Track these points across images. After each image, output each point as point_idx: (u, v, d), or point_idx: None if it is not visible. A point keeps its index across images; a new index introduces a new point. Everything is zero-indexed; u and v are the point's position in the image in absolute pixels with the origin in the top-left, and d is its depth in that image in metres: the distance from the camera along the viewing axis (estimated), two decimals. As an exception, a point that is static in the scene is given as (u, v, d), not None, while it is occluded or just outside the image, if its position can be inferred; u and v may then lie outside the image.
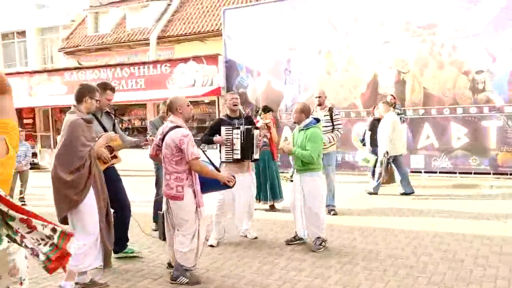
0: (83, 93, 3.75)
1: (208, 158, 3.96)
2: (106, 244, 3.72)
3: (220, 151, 5.11)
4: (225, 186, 3.88)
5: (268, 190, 6.69)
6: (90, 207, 3.59)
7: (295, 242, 4.96)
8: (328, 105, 6.42)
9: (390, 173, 7.59)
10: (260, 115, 7.29)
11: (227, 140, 4.98)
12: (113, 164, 4.42)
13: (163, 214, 5.12)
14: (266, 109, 6.82)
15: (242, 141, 4.93)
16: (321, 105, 6.33)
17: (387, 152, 7.52)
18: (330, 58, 10.92)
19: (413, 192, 7.56)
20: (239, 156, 4.94)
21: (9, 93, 2.19)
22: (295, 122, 4.87)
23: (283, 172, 11.04)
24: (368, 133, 8.18)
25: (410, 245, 4.80)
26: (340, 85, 10.83)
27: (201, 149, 3.94)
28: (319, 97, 6.33)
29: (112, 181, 4.42)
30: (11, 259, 2.20)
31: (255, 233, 5.34)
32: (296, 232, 4.96)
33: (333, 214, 6.28)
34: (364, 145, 8.31)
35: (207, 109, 13.13)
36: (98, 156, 4.15)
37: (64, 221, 3.64)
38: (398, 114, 8.28)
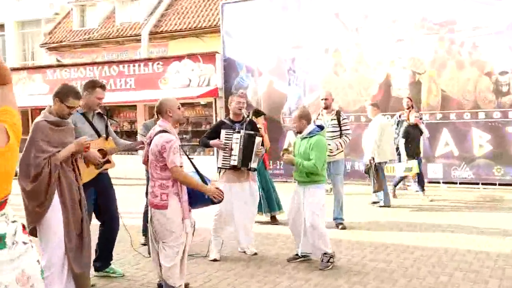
0: (55, 93, 3.71)
1: (195, 168, 3.95)
2: (72, 267, 3.55)
3: (217, 156, 5.09)
4: (211, 201, 3.83)
5: (264, 200, 6.66)
6: (53, 221, 3.47)
7: (298, 260, 4.93)
8: (335, 109, 6.41)
9: (379, 180, 7.60)
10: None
11: (225, 144, 5.00)
12: (105, 169, 4.38)
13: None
14: (258, 113, 6.78)
15: (241, 147, 4.94)
16: (328, 108, 6.32)
17: (373, 158, 7.57)
18: (338, 57, 10.93)
19: (389, 206, 7.59)
20: (236, 163, 4.95)
21: (10, 85, 2.20)
22: (298, 132, 4.87)
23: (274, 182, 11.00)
24: (402, 141, 8.14)
25: (427, 263, 4.75)
26: (349, 87, 10.83)
27: (188, 157, 3.92)
28: (326, 99, 6.32)
29: (105, 188, 4.42)
30: (15, 265, 2.10)
31: (254, 248, 5.30)
32: (297, 249, 4.95)
33: (342, 228, 6.24)
34: (399, 155, 8.24)
35: (203, 112, 13.11)
36: (88, 159, 4.13)
37: (32, 231, 3.54)
38: (420, 118, 8.32)
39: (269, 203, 6.70)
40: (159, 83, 12.93)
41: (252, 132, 5.04)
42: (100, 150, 4.29)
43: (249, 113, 5.41)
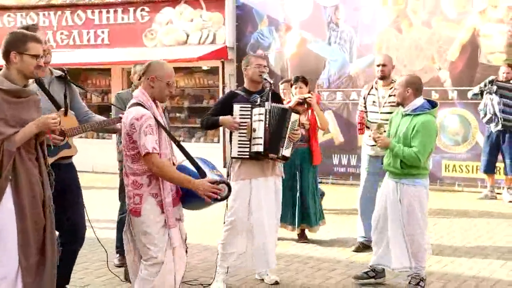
0: (7, 45, 3.66)
1: (187, 155, 3.91)
2: None
3: (230, 142, 5.11)
4: (212, 199, 3.77)
5: (296, 209, 6.72)
6: (2, 230, 3.52)
7: (368, 280, 5.17)
8: (395, 80, 6.38)
9: None
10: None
11: (242, 124, 4.98)
12: (65, 157, 4.42)
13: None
14: (304, 80, 6.77)
15: (267, 126, 4.93)
16: (385, 79, 6.30)
17: None
18: (402, 5, 10.83)
19: None
20: (261, 148, 4.91)
21: None
22: (398, 104, 5.04)
23: (321, 183, 11.03)
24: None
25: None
26: (417, 49, 10.74)
27: (173, 138, 3.92)
28: (383, 65, 6.30)
29: (67, 186, 4.41)
30: None
31: (275, 275, 5.35)
32: (371, 264, 5.20)
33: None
34: None
35: (206, 81, 13.14)
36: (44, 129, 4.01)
37: None
38: None
39: (303, 213, 6.76)
40: (144, 38, 12.97)
41: (284, 106, 5.05)
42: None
43: (270, 83, 5.34)
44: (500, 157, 9.36)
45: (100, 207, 8.51)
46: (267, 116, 4.94)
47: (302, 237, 6.86)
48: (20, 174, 3.59)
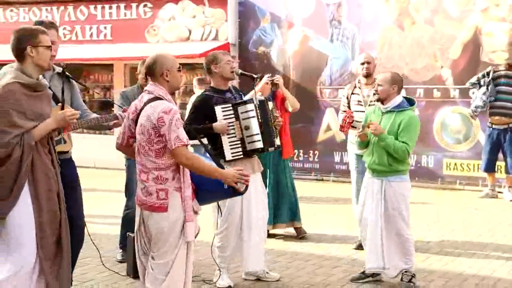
0: (19, 41, 3.73)
1: (206, 148, 4.03)
2: (48, 284, 3.68)
3: (215, 147, 5.02)
4: (231, 191, 3.82)
5: (284, 206, 6.72)
6: (21, 220, 3.59)
7: (363, 280, 5.20)
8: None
9: None
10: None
11: (229, 126, 4.96)
12: (62, 152, 4.39)
13: (133, 237, 5.20)
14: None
15: (260, 120, 4.95)
16: (369, 77, 6.26)
17: None
18: (404, 3, 10.81)
19: None
20: (260, 145, 4.92)
21: None
22: (378, 100, 5.08)
23: (322, 180, 11.02)
24: None
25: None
26: (419, 47, 10.72)
27: (198, 139, 3.95)
28: (368, 63, 6.25)
29: (65, 184, 4.31)
30: None
31: (275, 272, 5.36)
32: (366, 265, 5.21)
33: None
34: None
35: (208, 77, 13.08)
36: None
37: None
38: None
39: (291, 208, 6.75)
40: (146, 34, 12.97)
41: (263, 97, 5.10)
42: None
43: (256, 76, 5.40)
44: (501, 155, 9.35)
45: (101, 203, 8.51)
46: (258, 111, 4.95)
47: (300, 233, 6.85)
48: (37, 168, 3.66)
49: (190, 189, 3.79)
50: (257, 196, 5.12)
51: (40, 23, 4.30)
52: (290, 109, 6.68)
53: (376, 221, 5.04)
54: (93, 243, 4.76)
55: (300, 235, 6.83)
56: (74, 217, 4.42)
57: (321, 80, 11.51)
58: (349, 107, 6.24)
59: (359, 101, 6.18)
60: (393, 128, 4.95)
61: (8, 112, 3.55)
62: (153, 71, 3.82)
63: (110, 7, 13.37)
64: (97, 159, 12.76)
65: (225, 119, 4.94)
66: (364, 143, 5.14)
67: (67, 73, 4.53)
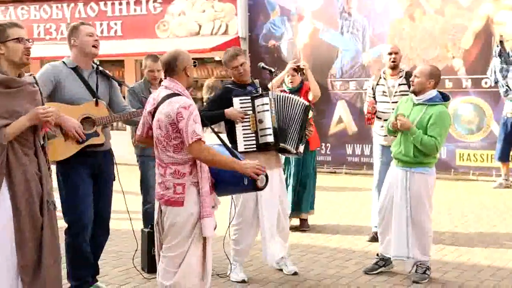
0: None
1: (221, 140, 4.01)
2: None
3: (231, 137, 5.05)
4: (250, 185, 3.82)
5: (305, 197, 6.74)
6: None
7: (378, 271, 5.23)
8: (403, 69, 6.34)
9: None
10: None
11: (245, 117, 4.98)
12: (95, 144, 4.49)
13: (148, 232, 5.23)
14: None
15: (273, 115, 4.96)
16: (395, 69, 6.24)
17: None
18: (415, -6, 10.75)
19: None
20: (271, 139, 4.92)
21: None
22: (413, 92, 5.03)
23: (334, 172, 11.00)
24: None
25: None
26: (431, 37, 10.66)
27: (210, 127, 3.96)
28: (396, 53, 6.22)
29: (101, 177, 4.61)
30: None
31: (294, 266, 5.38)
32: (379, 253, 5.27)
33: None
34: None
35: (218, 72, 13.14)
36: (66, 130, 4.23)
37: None
38: None
39: (299, 199, 6.80)
40: (156, 29, 12.98)
41: (307, 103, 5.10)
42: (86, 119, 4.42)
43: (273, 70, 5.41)
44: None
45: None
46: (273, 106, 4.95)
47: (303, 225, 6.87)
48: (14, 170, 3.48)
49: (208, 184, 3.81)
50: (272, 192, 5.09)
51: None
52: (310, 98, 6.60)
53: (401, 210, 5.03)
54: (135, 236, 4.80)
55: (303, 228, 6.85)
56: (101, 210, 4.66)
57: (331, 72, 11.47)
58: (374, 98, 6.24)
59: (384, 92, 6.17)
60: (422, 121, 4.90)
61: None
62: (175, 66, 3.84)
63: (120, 3, 13.39)
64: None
65: (242, 109, 4.99)
66: (394, 130, 5.11)
67: (101, 69, 4.68)
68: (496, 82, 9.64)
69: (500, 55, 9.47)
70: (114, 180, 4.77)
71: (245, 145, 4.99)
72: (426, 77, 4.95)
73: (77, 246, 4.38)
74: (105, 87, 4.68)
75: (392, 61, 6.18)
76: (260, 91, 5.07)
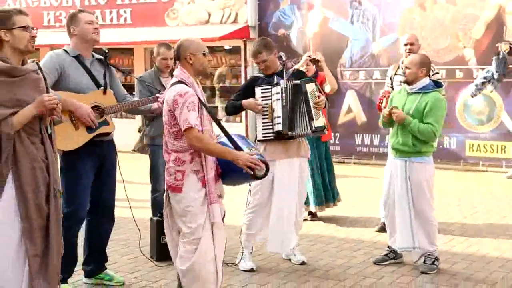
0: None
1: (224, 131, 4.02)
2: (33, 283, 3.48)
3: (255, 125, 5.16)
4: (249, 175, 3.86)
5: (313, 189, 6.72)
6: (4, 217, 3.44)
7: (387, 262, 5.24)
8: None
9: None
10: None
11: (265, 106, 5.02)
12: (103, 133, 4.49)
13: (157, 220, 5.26)
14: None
15: (284, 103, 4.97)
16: None
17: None
18: (426, -17, 10.67)
19: None
20: (281, 127, 4.95)
21: None
22: (406, 82, 5.08)
23: (343, 162, 10.99)
24: None
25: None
26: (441, 27, 10.58)
27: (213, 116, 4.00)
28: (411, 44, 6.19)
29: (106, 165, 4.60)
30: None
31: (303, 256, 5.38)
32: (388, 247, 5.29)
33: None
34: None
35: (228, 60, 13.12)
36: (77, 118, 4.20)
37: None
38: None
39: (325, 191, 6.79)
40: (166, 17, 12.96)
41: (300, 80, 5.07)
42: (95, 108, 4.40)
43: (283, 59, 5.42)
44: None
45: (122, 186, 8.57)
46: (283, 94, 4.97)
47: (314, 216, 6.90)
48: (21, 158, 3.46)
49: (213, 172, 3.87)
50: (290, 183, 5.11)
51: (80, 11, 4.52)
52: (327, 90, 6.58)
53: (403, 201, 5.05)
54: (136, 223, 4.88)
55: (314, 217, 6.89)
56: (106, 199, 4.67)
57: (341, 62, 11.43)
58: (392, 87, 6.23)
59: (401, 81, 6.13)
60: (419, 109, 4.94)
61: None
62: (179, 55, 3.94)
63: (130, -9, 13.38)
64: (118, 142, 12.83)
65: (262, 99, 5.05)
66: (388, 123, 5.15)
67: (102, 58, 4.62)
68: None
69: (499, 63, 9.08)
70: (116, 168, 4.73)
71: (263, 133, 5.08)
72: (417, 66, 4.98)
73: (67, 239, 4.09)
74: (108, 76, 4.61)
75: (408, 52, 6.16)
76: (281, 80, 5.03)
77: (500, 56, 9.02)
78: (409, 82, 5.05)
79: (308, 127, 5.01)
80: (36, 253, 3.49)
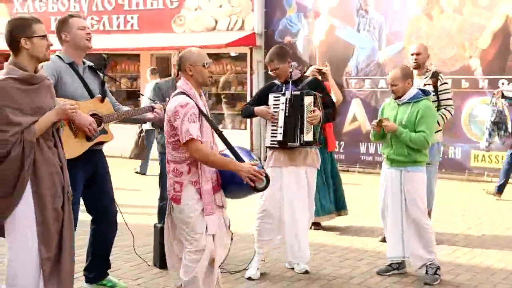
0: (13, 33, 3.54)
1: (225, 141, 4.00)
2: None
3: (266, 131, 5.33)
4: (249, 187, 3.85)
5: (320, 198, 6.69)
6: (23, 220, 3.50)
7: (391, 272, 5.21)
8: (431, 69, 6.30)
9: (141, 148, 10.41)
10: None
11: (274, 115, 5.11)
12: (101, 142, 4.47)
13: (161, 228, 5.26)
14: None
15: (286, 114, 5.02)
16: (420, 69, 6.19)
17: None
18: (433, -7, 10.67)
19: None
20: (280, 137, 5.04)
21: None
22: (396, 98, 5.09)
23: (348, 171, 10.97)
24: None
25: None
26: (448, 37, 10.57)
27: (214, 127, 3.99)
28: (417, 54, 6.20)
29: (99, 172, 4.57)
30: None
31: (307, 265, 5.37)
32: (387, 254, 5.28)
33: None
34: None
35: (234, 67, 13.13)
36: (78, 126, 4.19)
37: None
38: None
39: (337, 201, 6.83)
40: (172, 23, 13.00)
41: (298, 92, 5.07)
42: (93, 116, 4.35)
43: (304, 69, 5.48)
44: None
45: (127, 192, 8.57)
46: (287, 105, 5.02)
47: (318, 226, 6.85)
48: (40, 164, 3.52)
49: (210, 183, 3.88)
50: (298, 191, 5.14)
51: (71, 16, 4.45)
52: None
53: (396, 211, 5.08)
54: (129, 228, 4.92)
55: (318, 226, 6.86)
56: (106, 206, 4.64)
57: (347, 70, 11.43)
58: None
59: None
60: (410, 118, 4.99)
61: (2, 110, 3.41)
62: (179, 66, 3.98)
63: (137, -2, 13.44)
64: (123, 149, 12.85)
65: (274, 107, 5.13)
66: (379, 136, 5.16)
67: (92, 65, 4.57)
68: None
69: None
70: (109, 175, 4.70)
71: (271, 141, 5.17)
72: (402, 80, 5.03)
73: None
74: (97, 84, 4.54)
75: (414, 62, 6.16)
76: (287, 91, 5.06)
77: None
78: (400, 97, 5.08)
79: (298, 140, 5.03)
80: (49, 255, 3.54)
